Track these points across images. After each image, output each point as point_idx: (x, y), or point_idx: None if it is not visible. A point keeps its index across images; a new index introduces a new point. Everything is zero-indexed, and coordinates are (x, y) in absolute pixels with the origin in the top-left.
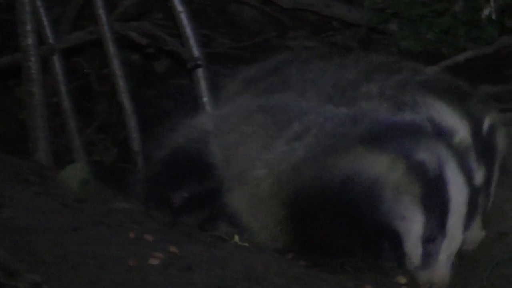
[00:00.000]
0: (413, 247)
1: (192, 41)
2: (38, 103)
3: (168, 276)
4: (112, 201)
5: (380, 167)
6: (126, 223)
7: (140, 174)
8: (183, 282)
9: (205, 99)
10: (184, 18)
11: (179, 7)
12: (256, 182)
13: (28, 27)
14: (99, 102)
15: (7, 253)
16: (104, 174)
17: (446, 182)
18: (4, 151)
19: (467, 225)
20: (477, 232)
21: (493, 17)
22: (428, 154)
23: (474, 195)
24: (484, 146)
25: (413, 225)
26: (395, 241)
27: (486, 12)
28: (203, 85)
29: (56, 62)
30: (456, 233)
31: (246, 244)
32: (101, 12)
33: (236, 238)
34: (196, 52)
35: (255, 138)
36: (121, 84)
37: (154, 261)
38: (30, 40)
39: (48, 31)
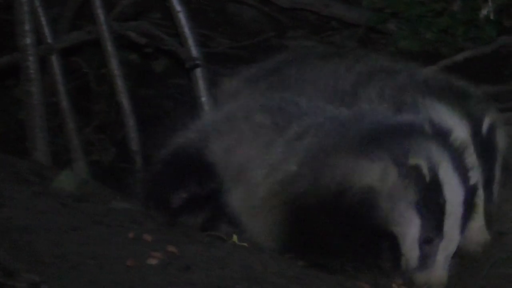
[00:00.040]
0: (410, 249)
1: (190, 41)
2: (36, 102)
3: (167, 276)
4: (111, 201)
5: (374, 172)
6: (125, 223)
7: (139, 173)
8: (182, 282)
9: (203, 98)
10: (182, 18)
11: (178, 7)
12: (255, 182)
13: (27, 27)
14: (98, 102)
15: (6, 253)
16: (103, 173)
17: (440, 184)
18: (3, 151)
19: (464, 225)
20: (481, 234)
21: (492, 17)
22: (421, 157)
23: (470, 195)
24: (484, 145)
25: (409, 228)
26: (392, 243)
27: (484, 12)
28: (201, 84)
29: (55, 62)
30: (453, 234)
31: (245, 244)
32: (100, 12)
33: (235, 238)
34: (194, 52)
35: (255, 137)
36: (120, 83)
37: (153, 261)
38: (28, 40)
39: (46, 31)
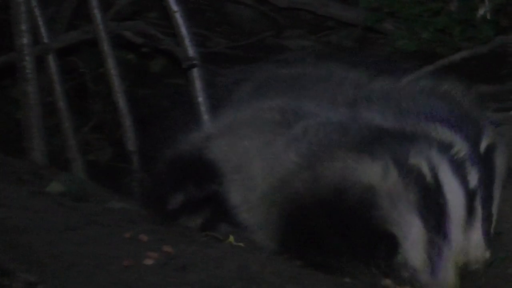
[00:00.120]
0: (412, 250)
1: (187, 41)
2: (33, 102)
3: (163, 276)
4: (108, 201)
5: (374, 171)
6: (121, 223)
7: (136, 173)
8: (178, 282)
9: (200, 99)
10: (179, 18)
11: (174, 7)
12: (255, 178)
13: (23, 27)
14: (95, 102)
15: (2, 252)
16: (100, 173)
17: (441, 185)
18: (0, 151)
19: (465, 228)
20: (481, 251)
21: (488, 16)
22: (422, 157)
23: (470, 198)
24: (482, 165)
25: (410, 229)
26: (390, 244)
27: (481, 11)
28: (198, 84)
29: (51, 62)
30: (456, 236)
31: (242, 244)
32: (96, 12)
33: (231, 238)
34: (191, 51)
35: (257, 133)
36: (116, 83)
37: (149, 261)
38: (25, 40)
39: (43, 30)
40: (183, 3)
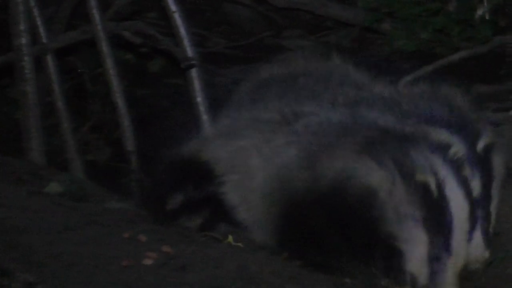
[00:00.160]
0: (418, 266)
1: (186, 41)
2: (31, 102)
3: (162, 276)
4: (107, 201)
5: (378, 175)
6: (120, 223)
7: (135, 173)
8: (176, 282)
9: (198, 99)
10: (178, 18)
11: (173, 7)
12: (254, 176)
13: (22, 27)
14: (93, 102)
15: (1, 252)
16: (98, 173)
17: (447, 201)
18: None
19: (469, 239)
20: (480, 252)
21: (487, 16)
22: (428, 172)
23: (474, 208)
24: (481, 167)
25: (416, 245)
26: (393, 249)
27: (480, 11)
28: (197, 84)
29: (50, 62)
30: (460, 250)
31: (240, 244)
32: (95, 12)
33: (230, 238)
34: (190, 51)
35: (254, 134)
36: (115, 83)
37: (148, 261)
38: (23, 40)
39: (41, 30)
40: (181, 3)
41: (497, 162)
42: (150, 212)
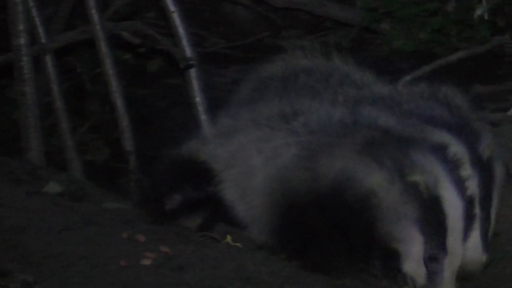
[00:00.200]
0: (415, 267)
1: (184, 41)
2: (30, 102)
3: (160, 276)
4: (105, 201)
5: (379, 177)
6: (118, 223)
7: (133, 174)
8: (175, 282)
9: (197, 99)
10: (176, 18)
11: (172, 7)
12: (252, 175)
13: (21, 27)
14: (92, 102)
15: None
16: (97, 173)
17: (440, 200)
18: None
19: (466, 238)
20: (478, 253)
21: (486, 17)
22: (420, 173)
23: (469, 207)
24: (482, 171)
25: (413, 246)
26: (396, 261)
27: (478, 12)
28: (195, 85)
29: (49, 62)
30: (457, 249)
31: (238, 244)
32: (93, 12)
33: (229, 238)
34: (188, 52)
35: (253, 133)
36: (114, 83)
37: (146, 261)
38: (22, 40)
39: (40, 30)
40: (180, 3)
41: (498, 168)
42: (148, 212)
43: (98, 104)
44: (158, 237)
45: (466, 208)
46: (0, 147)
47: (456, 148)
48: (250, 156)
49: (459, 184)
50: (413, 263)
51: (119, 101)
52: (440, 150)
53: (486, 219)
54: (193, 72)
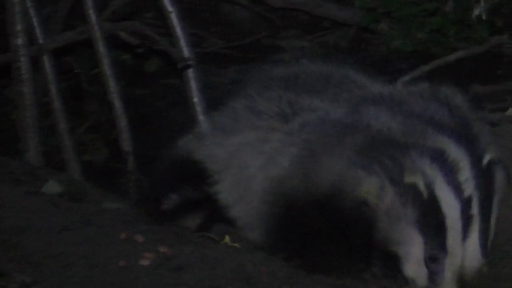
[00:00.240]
0: (416, 268)
1: (182, 41)
2: (28, 103)
3: (159, 277)
4: (103, 201)
5: (370, 185)
6: (117, 223)
7: (132, 174)
8: (173, 283)
9: (195, 99)
10: (174, 18)
11: (170, 7)
12: (249, 174)
13: (19, 27)
14: (90, 102)
15: None
16: (95, 174)
17: (438, 201)
18: None
19: (465, 238)
20: (477, 259)
21: (484, 17)
22: (417, 174)
23: (467, 207)
24: (482, 179)
25: (412, 248)
26: (396, 262)
27: (476, 12)
28: (193, 85)
29: (47, 62)
30: (456, 249)
31: (237, 245)
32: (91, 12)
33: (227, 238)
34: (186, 52)
35: (250, 129)
36: (112, 84)
37: (145, 262)
38: (20, 40)
39: (38, 31)
40: (178, 3)
41: (498, 175)
42: (146, 212)
43: (96, 105)
44: (157, 237)
45: (464, 208)
46: None
47: (455, 151)
48: (245, 158)
49: (457, 184)
50: (413, 264)
51: (117, 102)
52: (438, 153)
53: (485, 226)
54: (191, 73)
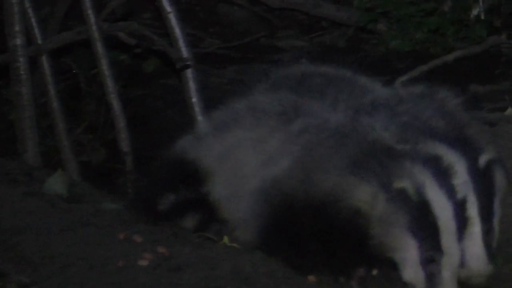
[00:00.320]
0: (414, 272)
1: (181, 42)
2: (26, 103)
3: (157, 277)
4: (101, 202)
5: (363, 193)
6: (115, 224)
7: (130, 174)
8: (172, 283)
9: (194, 99)
10: (172, 19)
11: (168, 8)
12: (245, 174)
13: (17, 28)
14: (88, 103)
15: None
16: (93, 174)
17: (429, 203)
18: None
19: (460, 238)
20: (482, 264)
21: (482, 16)
22: (406, 179)
23: (460, 208)
24: (482, 181)
25: (408, 252)
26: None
27: (474, 11)
28: (192, 85)
29: (45, 63)
30: (452, 249)
31: (235, 245)
32: (90, 13)
33: (226, 239)
34: (184, 52)
35: (247, 131)
36: (110, 84)
37: (143, 262)
38: (18, 41)
39: (36, 31)
40: (176, 4)
41: (499, 177)
42: (140, 212)
43: (94, 105)
44: (155, 237)
45: (456, 209)
46: None
47: (448, 154)
48: (241, 159)
49: (449, 187)
50: (410, 268)
51: (115, 102)
52: (430, 157)
53: (489, 231)
54: (189, 73)
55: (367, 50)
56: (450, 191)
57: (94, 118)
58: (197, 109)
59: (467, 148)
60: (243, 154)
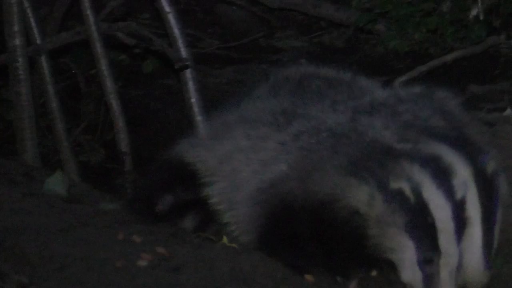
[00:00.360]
0: (412, 273)
1: (179, 42)
2: (25, 103)
3: (156, 277)
4: (100, 202)
5: (361, 194)
6: (114, 224)
7: (128, 175)
8: (171, 283)
9: (193, 100)
10: (171, 19)
11: (167, 8)
12: (243, 176)
13: (16, 28)
14: (87, 103)
15: None
16: (92, 175)
17: (426, 203)
18: None
19: (459, 239)
20: (481, 271)
21: (481, 17)
22: (403, 179)
23: (459, 209)
24: (485, 188)
25: (405, 253)
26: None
27: (473, 12)
28: (191, 86)
29: (44, 63)
30: (450, 249)
31: (234, 245)
32: (89, 13)
33: (225, 239)
34: (183, 52)
35: (243, 135)
36: (109, 84)
37: (142, 262)
38: (17, 41)
39: (35, 31)
40: (175, 4)
41: (501, 185)
42: (137, 212)
43: (93, 105)
44: (154, 238)
45: (455, 209)
46: None
47: (446, 155)
48: (237, 164)
49: (447, 187)
50: (408, 269)
51: (114, 102)
52: (428, 157)
53: (489, 240)
54: (188, 73)
55: (366, 51)
56: (448, 191)
57: (93, 118)
58: (196, 109)
59: (467, 148)
60: (242, 156)
